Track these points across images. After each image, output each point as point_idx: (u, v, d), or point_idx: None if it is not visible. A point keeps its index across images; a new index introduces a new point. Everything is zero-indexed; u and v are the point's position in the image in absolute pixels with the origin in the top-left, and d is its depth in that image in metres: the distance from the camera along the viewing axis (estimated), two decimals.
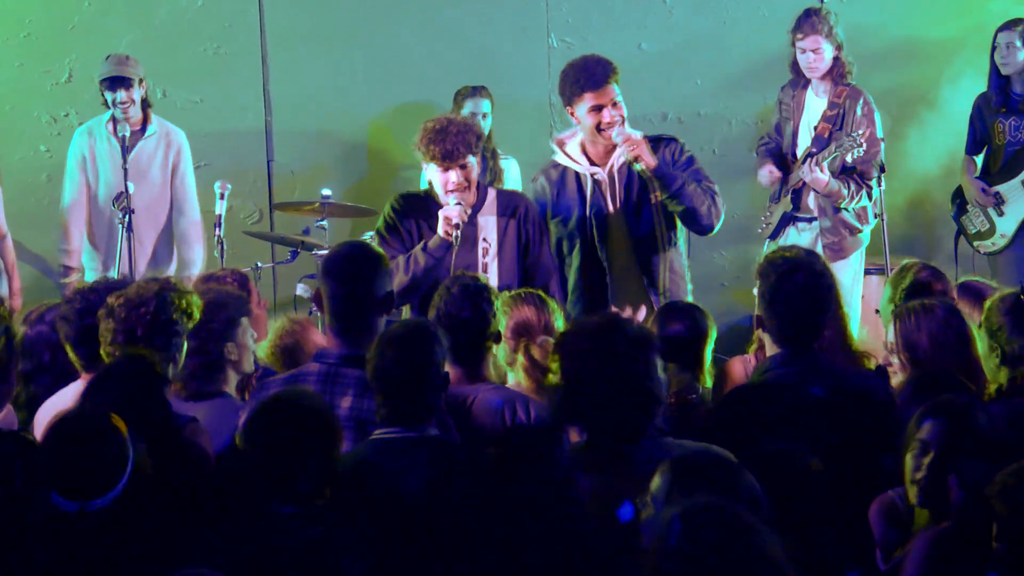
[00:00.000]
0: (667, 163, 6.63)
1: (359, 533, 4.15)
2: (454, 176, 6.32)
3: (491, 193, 6.61)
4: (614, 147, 6.67)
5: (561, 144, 6.87)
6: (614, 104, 6.61)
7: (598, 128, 6.64)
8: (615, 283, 6.77)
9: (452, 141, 6.28)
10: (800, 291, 4.91)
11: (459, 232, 6.28)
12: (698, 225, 6.69)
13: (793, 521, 3.74)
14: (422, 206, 6.52)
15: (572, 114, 6.72)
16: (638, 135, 6.63)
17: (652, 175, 6.56)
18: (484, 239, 6.50)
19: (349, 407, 4.83)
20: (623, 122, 6.64)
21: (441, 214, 6.31)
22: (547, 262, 6.62)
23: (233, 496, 4.39)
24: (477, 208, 6.48)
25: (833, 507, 4.14)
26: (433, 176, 6.42)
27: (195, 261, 8.57)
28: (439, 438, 4.57)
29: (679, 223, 6.79)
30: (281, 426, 4.15)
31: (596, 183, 6.76)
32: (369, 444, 4.51)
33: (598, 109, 6.60)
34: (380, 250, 5.38)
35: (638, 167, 6.56)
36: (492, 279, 6.33)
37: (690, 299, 6.68)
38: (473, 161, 6.38)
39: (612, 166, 6.76)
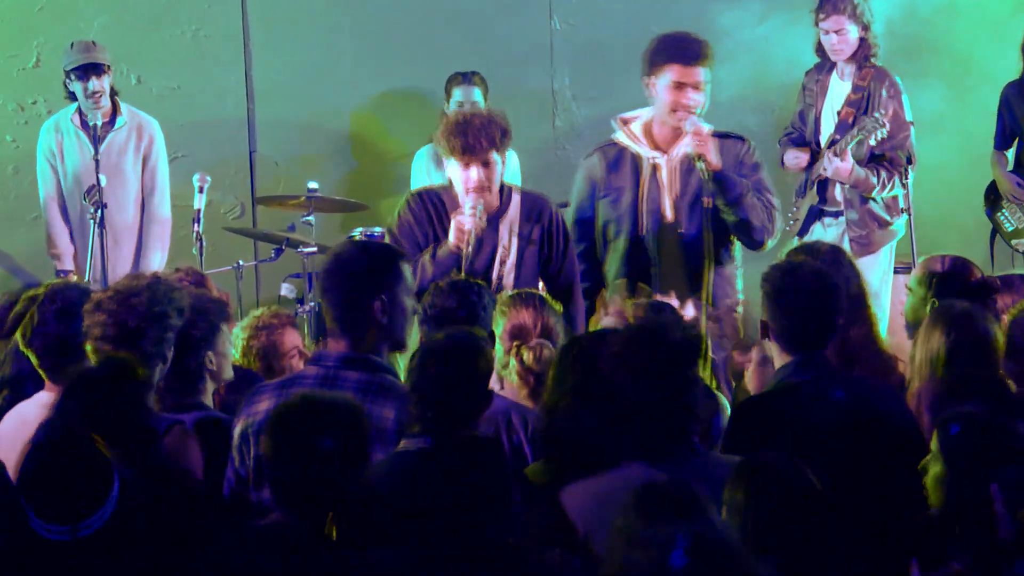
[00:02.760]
0: (730, 168, 6.54)
1: (380, 546, 4.09)
2: (475, 173, 6.20)
3: (515, 197, 6.48)
4: (681, 134, 6.58)
5: (624, 123, 6.71)
6: (697, 87, 6.50)
7: (673, 108, 6.52)
8: (662, 277, 6.63)
9: (474, 134, 6.18)
10: (805, 290, 4.82)
11: (470, 248, 6.20)
12: (749, 239, 6.61)
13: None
14: (436, 204, 6.45)
15: (650, 85, 6.59)
16: (708, 129, 6.51)
17: (713, 177, 6.41)
18: (503, 247, 6.42)
19: None
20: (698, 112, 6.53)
21: (453, 222, 6.22)
22: (570, 268, 6.57)
23: (223, 508, 4.57)
24: (499, 213, 6.38)
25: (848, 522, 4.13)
26: (454, 173, 6.29)
27: (153, 264, 8.47)
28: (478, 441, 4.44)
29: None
30: (316, 431, 4.10)
31: (655, 168, 6.61)
32: (395, 456, 4.49)
33: (680, 87, 6.50)
34: (397, 248, 5.44)
35: (700, 165, 6.41)
36: (509, 286, 6.33)
37: (740, 309, 6.79)
38: (498, 159, 6.26)
39: (675, 155, 6.65)
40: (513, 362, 5.31)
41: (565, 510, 4.23)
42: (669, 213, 6.64)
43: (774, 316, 4.82)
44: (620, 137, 6.68)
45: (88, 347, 4.73)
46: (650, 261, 6.65)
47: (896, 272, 8.14)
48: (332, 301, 4.93)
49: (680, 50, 6.51)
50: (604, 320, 5.70)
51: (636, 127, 6.66)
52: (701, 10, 9.10)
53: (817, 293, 4.82)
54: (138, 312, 4.70)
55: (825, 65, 8.08)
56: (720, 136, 6.58)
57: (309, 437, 4.07)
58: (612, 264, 6.71)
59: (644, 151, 6.62)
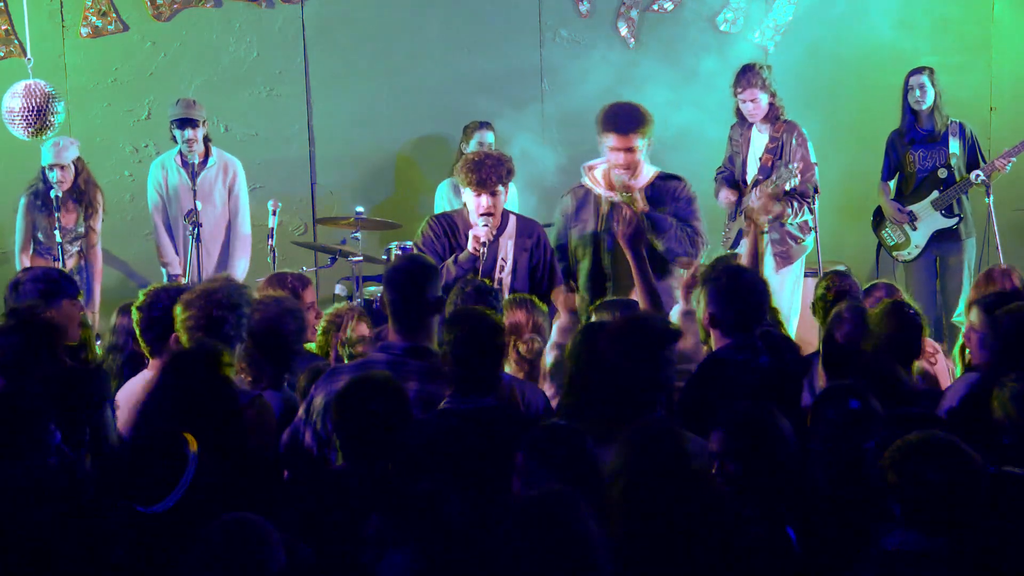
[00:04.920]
0: (668, 200, 6.60)
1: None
2: (485, 201, 6.34)
3: (512, 219, 6.60)
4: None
5: (591, 169, 6.76)
6: (629, 151, 6.54)
7: (613, 165, 6.62)
8: (615, 287, 6.64)
9: (487, 172, 6.29)
10: (745, 289, 5.06)
11: (485, 249, 6.32)
12: (675, 261, 6.55)
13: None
14: (450, 224, 6.56)
15: (601, 143, 6.66)
16: (641, 181, 6.58)
17: (643, 217, 6.42)
18: (502, 258, 6.48)
19: (416, 390, 4.73)
20: (632, 169, 6.56)
21: (471, 233, 6.35)
22: (552, 274, 6.59)
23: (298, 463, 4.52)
24: (499, 231, 6.49)
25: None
26: (468, 199, 6.44)
27: (239, 270, 8.63)
28: (497, 407, 4.58)
29: None
30: (375, 400, 4.19)
31: (612, 205, 6.60)
32: (438, 414, 4.53)
33: (616, 151, 6.56)
34: (432, 261, 5.32)
35: (626, 197, 6.49)
36: (505, 291, 6.36)
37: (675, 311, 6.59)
38: (502, 191, 6.38)
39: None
40: (511, 352, 5.39)
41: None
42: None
43: (722, 309, 5.01)
44: (586, 181, 6.76)
45: (183, 338, 4.78)
46: (606, 275, 6.65)
47: (806, 276, 8.43)
48: (400, 300, 4.93)
49: (615, 122, 6.55)
50: (561, 319, 5.64)
51: (598, 173, 6.70)
52: (647, 67, 9.27)
53: (754, 292, 5.08)
54: (221, 304, 4.76)
55: (746, 122, 8.27)
56: (663, 177, 6.67)
57: (364, 406, 4.18)
58: (581, 277, 6.71)
59: (603, 192, 6.66)
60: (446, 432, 4.39)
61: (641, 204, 6.52)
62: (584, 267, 6.72)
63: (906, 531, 3.65)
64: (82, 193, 8.29)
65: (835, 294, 5.84)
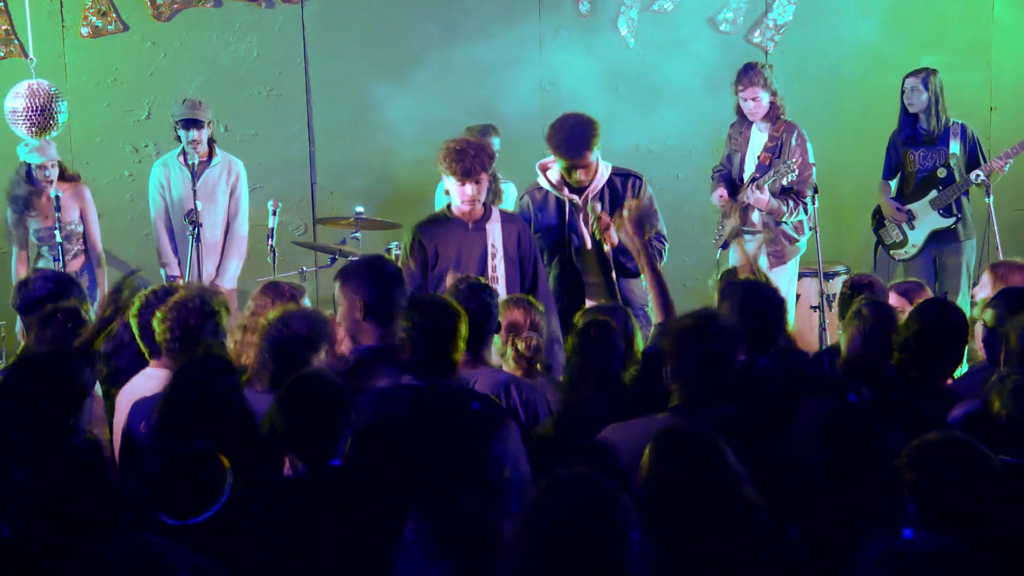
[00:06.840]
0: (623, 198, 6.61)
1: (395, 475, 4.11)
2: (469, 189, 6.36)
3: (494, 210, 6.64)
4: (585, 178, 6.69)
5: (544, 169, 6.82)
6: (584, 169, 6.64)
7: (567, 181, 6.66)
8: (589, 287, 6.76)
9: (470, 160, 6.30)
10: (764, 305, 5.08)
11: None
12: (637, 275, 6.60)
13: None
14: (436, 226, 6.54)
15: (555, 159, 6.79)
16: (598, 182, 6.62)
17: (617, 249, 6.54)
18: (492, 244, 6.50)
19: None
20: (589, 176, 6.63)
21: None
22: (535, 259, 6.62)
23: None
24: (485, 219, 6.51)
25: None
26: (451, 187, 6.46)
27: (230, 271, 8.61)
28: (458, 388, 4.56)
29: None
30: (306, 401, 4.11)
31: (573, 206, 6.73)
32: (397, 390, 4.51)
33: (569, 170, 6.67)
34: (391, 263, 5.32)
35: (605, 247, 6.53)
36: (500, 276, 6.42)
37: (649, 308, 6.62)
38: (485, 177, 6.41)
39: (587, 195, 6.74)
40: (509, 350, 5.44)
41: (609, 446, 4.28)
42: (588, 243, 6.77)
43: (736, 324, 4.87)
44: (543, 182, 6.82)
45: (163, 349, 4.77)
46: (580, 278, 6.77)
47: (802, 276, 8.45)
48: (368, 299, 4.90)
49: (568, 148, 6.62)
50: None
51: (553, 174, 6.77)
52: (647, 67, 9.29)
53: (770, 308, 5.10)
54: (194, 313, 4.71)
55: (746, 120, 8.24)
56: (618, 174, 6.72)
57: (299, 409, 4.08)
58: (552, 281, 6.77)
59: (562, 195, 6.74)
60: (404, 401, 4.38)
61: (614, 239, 6.55)
62: (554, 268, 6.78)
63: (921, 530, 3.62)
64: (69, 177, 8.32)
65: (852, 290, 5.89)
